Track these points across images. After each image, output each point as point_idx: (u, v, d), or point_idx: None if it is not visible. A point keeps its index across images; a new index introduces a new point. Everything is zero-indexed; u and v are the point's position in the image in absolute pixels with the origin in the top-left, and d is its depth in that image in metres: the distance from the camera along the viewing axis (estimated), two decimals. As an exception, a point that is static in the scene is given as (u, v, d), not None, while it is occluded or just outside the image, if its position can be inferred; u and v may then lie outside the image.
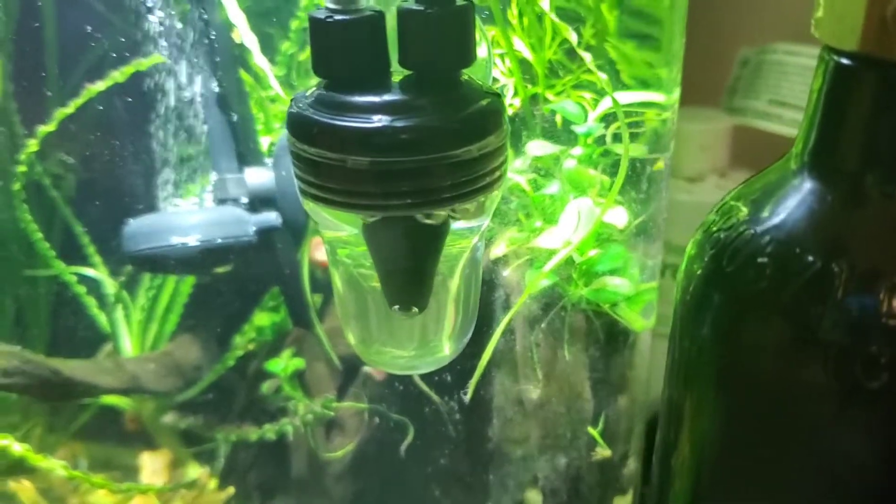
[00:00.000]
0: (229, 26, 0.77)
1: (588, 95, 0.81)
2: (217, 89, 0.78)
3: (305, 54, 0.87)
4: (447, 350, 0.53)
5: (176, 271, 0.80)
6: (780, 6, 1.30)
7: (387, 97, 0.47)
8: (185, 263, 0.77)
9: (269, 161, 0.83)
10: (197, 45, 0.77)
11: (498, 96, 0.49)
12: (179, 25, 0.77)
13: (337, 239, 0.51)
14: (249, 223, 0.78)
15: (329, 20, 0.47)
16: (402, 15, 0.47)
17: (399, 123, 0.45)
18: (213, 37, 0.76)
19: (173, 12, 0.77)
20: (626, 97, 0.73)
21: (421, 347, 0.52)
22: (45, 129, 0.87)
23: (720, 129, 1.18)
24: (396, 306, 0.52)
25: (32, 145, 0.88)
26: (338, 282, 0.54)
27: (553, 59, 0.85)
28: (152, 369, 0.98)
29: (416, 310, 0.52)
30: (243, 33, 0.77)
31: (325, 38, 0.48)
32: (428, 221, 0.50)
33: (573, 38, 0.66)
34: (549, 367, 0.74)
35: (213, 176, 0.80)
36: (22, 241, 1.10)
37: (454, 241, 0.51)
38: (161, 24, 0.76)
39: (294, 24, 0.83)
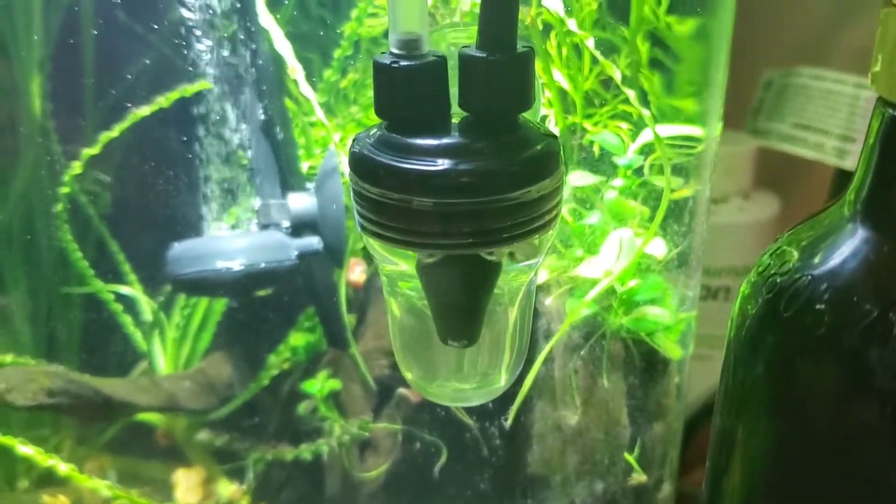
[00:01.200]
0: (275, 54, 0.79)
1: (624, 125, 0.83)
2: (262, 116, 0.80)
3: (346, 81, 0.90)
4: (503, 381, 0.55)
5: (218, 295, 0.82)
6: (803, 29, 1.32)
7: (449, 141, 0.49)
8: (228, 287, 0.80)
9: (310, 186, 0.85)
10: (243, 72, 0.79)
11: (554, 138, 0.51)
12: (226, 53, 0.79)
13: (399, 273, 0.53)
14: (292, 247, 0.80)
15: (394, 66, 0.49)
16: (464, 61, 0.49)
17: (462, 167, 0.47)
18: (259, 64, 0.78)
19: (220, 40, 0.79)
20: (665, 130, 0.75)
21: (481, 380, 0.54)
22: (88, 151, 0.89)
23: (744, 152, 1.20)
24: (450, 340, 0.54)
25: (76, 167, 0.91)
26: (397, 314, 0.56)
27: (588, 88, 0.87)
28: (187, 387, 1.00)
29: (466, 343, 0.54)
30: (289, 62, 0.79)
31: (389, 83, 0.50)
32: (486, 259, 0.52)
33: (616, 74, 0.68)
34: (588, 394, 0.76)
35: (257, 201, 0.82)
36: (57, 260, 1.13)
37: (513, 277, 0.53)
38: (208, 52, 0.78)
39: (337, 53, 0.85)
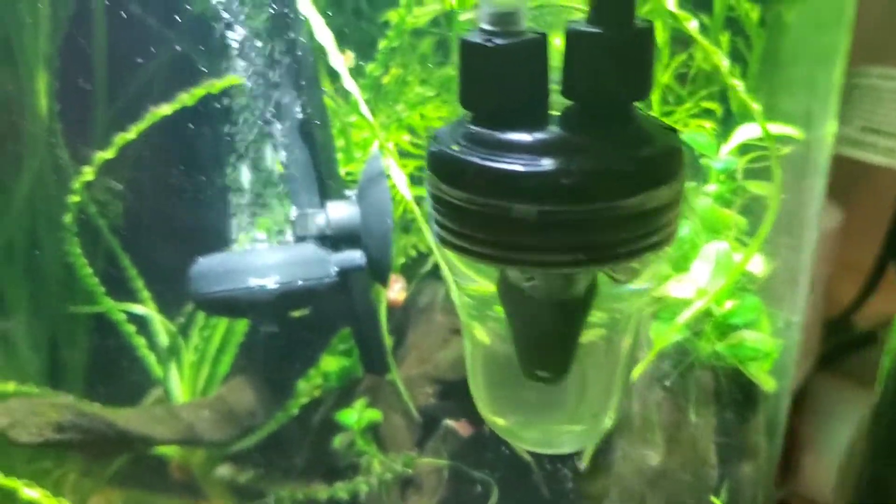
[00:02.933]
0: (314, 46, 0.71)
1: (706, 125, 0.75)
2: (300, 114, 0.72)
3: (389, 77, 0.82)
4: (609, 422, 0.47)
5: (249, 316, 0.74)
6: (868, 28, 1.24)
7: (553, 135, 0.41)
8: (261, 308, 0.71)
9: (350, 193, 0.77)
10: (278, 65, 0.71)
11: (675, 132, 0.43)
12: (259, 43, 0.71)
13: (490, 294, 0.45)
14: (331, 263, 0.72)
15: (489, 45, 0.41)
16: (572, 37, 0.41)
17: (573, 167, 0.39)
18: (297, 56, 0.70)
19: (252, 29, 0.71)
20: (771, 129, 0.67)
21: (591, 421, 0.46)
22: (101, 155, 0.81)
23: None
24: (539, 373, 0.47)
25: (87, 173, 0.83)
26: (484, 343, 0.48)
27: (665, 83, 0.79)
28: (206, 417, 0.92)
29: (554, 377, 0.46)
30: (331, 54, 0.71)
31: (481, 65, 0.42)
32: (589, 278, 0.44)
33: (724, 62, 0.60)
34: (673, 430, 0.68)
35: (293, 210, 0.74)
36: (64, 275, 1.04)
37: (629, 300, 0.45)
38: (238, 42, 0.71)
39: (382, 44, 0.78)
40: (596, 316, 0.45)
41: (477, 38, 0.42)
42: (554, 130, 0.41)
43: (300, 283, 0.71)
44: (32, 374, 0.95)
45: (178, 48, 0.97)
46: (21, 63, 0.96)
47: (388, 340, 0.86)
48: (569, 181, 0.40)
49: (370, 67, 0.78)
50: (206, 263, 0.72)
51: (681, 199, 0.44)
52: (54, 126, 0.98)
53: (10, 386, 0.83)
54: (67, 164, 0.99)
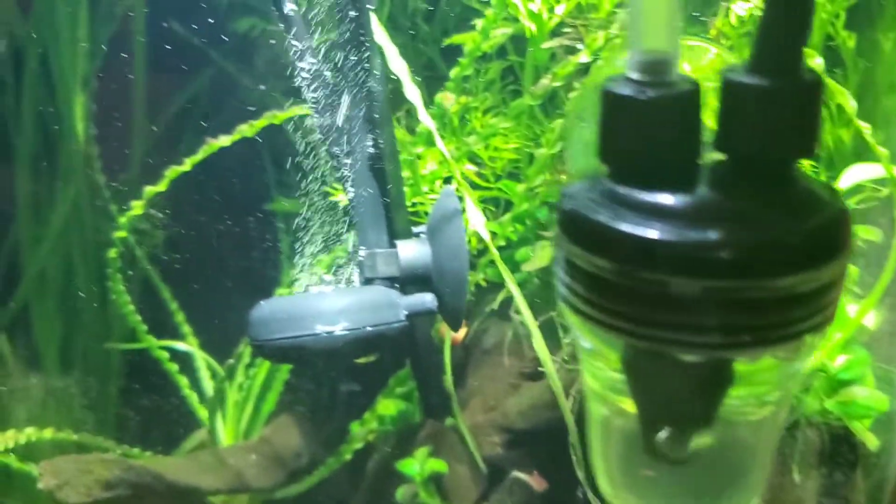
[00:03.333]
0: (387, 76, 0.67)
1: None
2: (371, 147, 0.68)
3: (457, 105, 0.78)
4: (756, 501, 0.43)
5: (315, 364, 0.70)
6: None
7: (711, 197, 0.37)
8: (328, 355, 0.68)
9: (418, 230, 0.73)
10: (349, 96, 0.68)
11: (838, 194, 0.40)
12: (328, 72, 0.68)
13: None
14: (401, 307, 0.69)
15: (641, 98, 0.37)
16: (730, 87, 0.38)
17: (738, 238, 0.36)
18: (370, 87, 0.66)
19: (320, 56, 0.67)
20: (868, 170, 0.64)
21: (733, 499, 0.43)
22: (151, 189, 0.77)
23: None
24: (665, 451, 0.43)
25: (136, 207, 0.79)
26: (614, 411, 0.44)
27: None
28: (254, 461, 0.88)
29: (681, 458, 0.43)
30: (406, 85, 0.68)
31: (630, 119, 0.38)
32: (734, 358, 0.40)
33: (851, 103, 0.57)
34: (777, 492, 0.64)
35: (361, 250, 0.70)
36: (98, 310, 1.00)
37: (781, 379, 0.41)
38: (305, 70, 0.67)
39: (454, 72, 0.74)
40: (749, 392, 0.42)
41: (625, 90, 0.38)
42: (708, 192, 0.38)
43: (369, 328, 0.67)
44: (73, 420, 0.92)
45: (228, 73, 0.94)
46: (58, 82, 0.92)
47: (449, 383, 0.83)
48: (733, 255, 0.36)
49: (439, 96, 0.74)
50: (268, 307, 0.68)
51: (845, 273, 0.40)
52: (91, 151, 0.95)
53: (48, 432, 0.79)
54: (104, 192, 0.95)
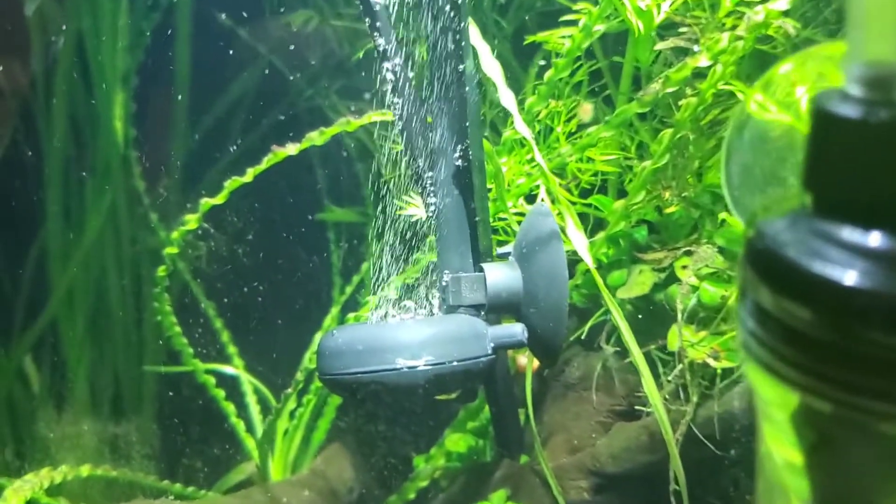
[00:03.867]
0: (479, 80, 0.61)
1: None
2: (458, 160, 0.63)
3: (546, 111, 0.73)
4: None
5: (393, 400, 0.65)
6: None
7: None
8: (407, 391, 0.62)
9: (503, 251, 0.67)
10: (438, 102, 0.62)
11: None
12: (411, 74, 0.62)
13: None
14: (488, 338, 0.63)
15: (870, 120, 0.31)
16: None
17: None
18: (460, 93, 0.60)
19: (402, 54, 0.61)
20: None
21: None
22: (209, 201, 0.70)
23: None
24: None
25: (191, 221, 0.72)
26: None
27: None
28: (307, 498, 0.83)
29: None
30: (501, 90, 0.62)
31: (852, 143, 0.32)
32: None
33: None
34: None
35: (445, 275, 0.64)
36: (132, 331, 0.94)
37: None
38: (383, 71, 0.61)
39: (548, 75, 0.68)
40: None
41: (846, 109, 0.32)
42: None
43: (455, 363, 0.61)
44: (107, 451, 0.86)
45: (280, 70, 0.88)
46: (96, 78, 0.86)
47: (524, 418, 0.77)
48: None
49: (530, 103, 0.68)
50: (341, 337, 0.62)
51: None
52: (129, 154, 0.89)
53: (84, 470, 0.74)
54: (144, 199, 0.90)
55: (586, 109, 0.65)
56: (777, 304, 0.34)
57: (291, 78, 0.90)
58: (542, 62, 0.84)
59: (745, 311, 0.36)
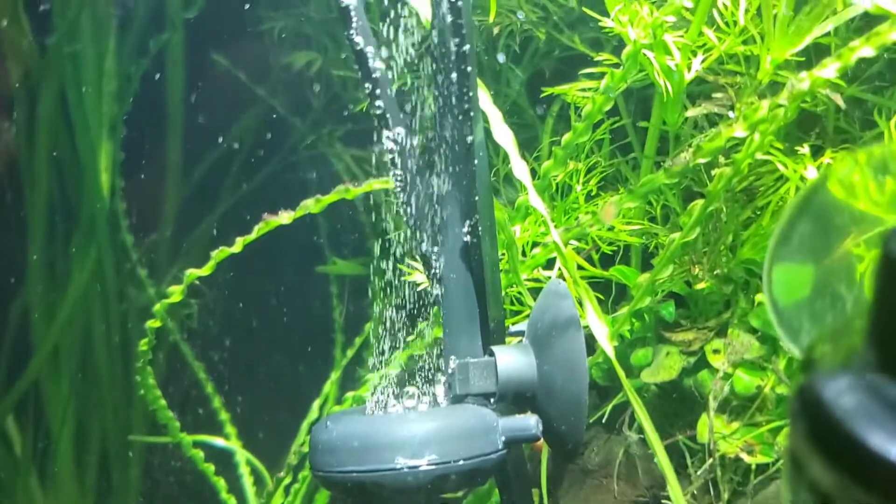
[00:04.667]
0: (487, 148, 0.56)
1: None
2: (467, 236, 0.57)
3: (562, 174, 0.67)
4: None
5: (392, 502, 0.59)
6: None
7: None
8: (409, 493, 0.57)
9: (514, 328, 0.62)
10: (444, 171, 0.56)
11: None
12: (416, 143, 0.57)
13: None
14: (499, 432, 0.57)
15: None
16: None
17: None
18: (468, 163, 0.55)
19: (411, 123, 0.56)
20: None
21: None
22: (194, 272, 0.65)
23: None
24: None
25: (175, 293, 0.67)
26: None
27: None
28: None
29: None
30: (513, 161, 0.56)
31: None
32: None
33: None
34: None
35: (452, 361, 0.59)
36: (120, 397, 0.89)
37: None
38: (392, 141, 0.55)
39: (566, 138, 0.63)
40: None
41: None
42: None
43: (462, 462, 0.56)
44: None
45: (279, 115, 0.83)
46: (79, 130, 0.81)
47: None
48: None
49: (546, 167, 0.63)
50: (335, 430, 0.56)
51: None
52: (117, 206, 0.84)
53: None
54: (132, 254, 0.85)
55: (609, 212, 0.59)
56: (835, 481, 0.28)
57: (291, 123, 0.84)
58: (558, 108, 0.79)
59: (796, 479, 0.30)
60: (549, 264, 0.68)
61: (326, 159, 0.86)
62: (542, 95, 0.71)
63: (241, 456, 0.82)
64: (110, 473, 0.87)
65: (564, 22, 0.75)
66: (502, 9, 0.74)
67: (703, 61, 0.61)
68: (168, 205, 0.86)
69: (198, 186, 0.86)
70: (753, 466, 0.61)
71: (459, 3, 0.52)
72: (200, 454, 0.77)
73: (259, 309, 0.84)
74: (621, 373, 0.57)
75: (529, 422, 0.58)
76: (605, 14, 0.61)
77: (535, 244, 0.67)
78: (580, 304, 0.57)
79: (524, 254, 0.66)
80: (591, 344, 0.66)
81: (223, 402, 0.83)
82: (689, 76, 0.61)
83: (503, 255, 0.65)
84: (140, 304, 0.82)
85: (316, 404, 0.82)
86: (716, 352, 0.61)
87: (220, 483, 0.78)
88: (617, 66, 0.65)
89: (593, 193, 0.67)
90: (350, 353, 0.82)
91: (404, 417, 0.58)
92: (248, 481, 0.82)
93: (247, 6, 0.79)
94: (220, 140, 0.85)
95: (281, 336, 0.83)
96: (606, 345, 0.56)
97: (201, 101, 0.82)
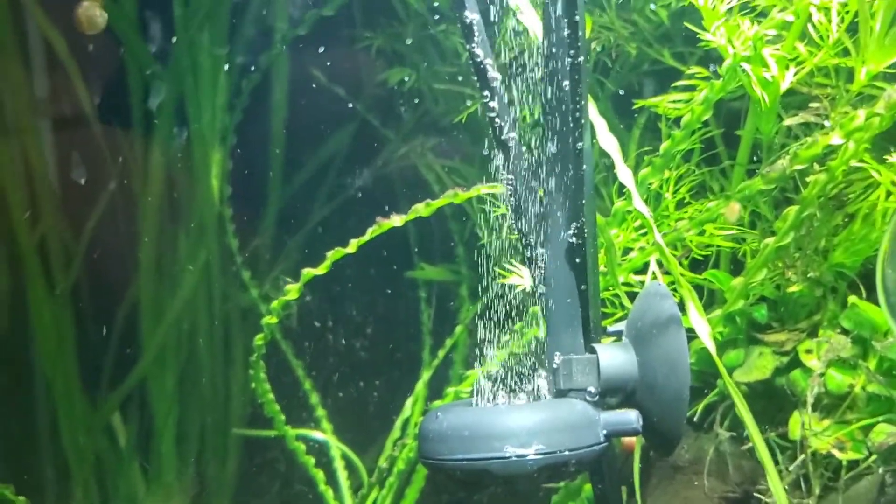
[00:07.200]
0: (594, 151, 0.59)
1: None
2: (571, 238, 0.61)
3: (658, 181, 0.70)
4: None
5: (498, 489, 0.62)
6: None
7: None
8: (515, 480, 0.60)
9: (613, 328, 0.65)
10: (552, 177, 0.60)
11: None
12: (526, 151, 0.60)
13: None
14: (601, 426, 0.60)
15: None
16: None
17: None
18: (577, 169, 0.58)
19: (521, 128, 0.59)
20: None
21: None
22: (311, 271, 0.69)
23: None
24: None
25: (292, 290, 0.71)
26: None
27: None
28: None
29: None
30: (618, 166, 0.60)
31: None
32: None
33: None
34: None
35: (556, 356, 0.62)
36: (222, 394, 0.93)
37: None
38: (506, 146, 0.59)
39: (664, 146, 0.66)
40: None
41: None
42: None
43: (567, 452, 0.59)
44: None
45: (375, 129, 0.87)
46: (195, 136, 0.86)
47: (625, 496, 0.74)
48: None
49: (643, 174, 0.66)
50: (445, 420, 0.59)
51: None
52: (224, 212, 0.89)
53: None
54: (237, 258, 0.89)
55: (734, 209, 0.62)
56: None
57: (386, 136, 0.89)
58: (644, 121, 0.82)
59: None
60: (638, 269, 0.71)
61: (416, 169, 0.90)
62: (634, 107, 0.74)
63: (336, 451, 0.86)
64: (208, 465, 0.91)
65: (653, 37, 0.78)
66: (595, 24, 0.77)
67: (795, 73, 0.64)
68: (269, 211, 0.90)
69: (297, 194, 0.90)
70: (845, 463, 0.63)
71: (577, 19, 0.55)
72: (302, 447, 0.81)
73: (354, 311, 0.88)
74: (723, 369, 0.59)
75: (630, 416, 0.61)
76: (693, 29, 0.64)
77: (628, 249, 0.70)
78: (681, 304, 0.60)
79: (622, 260, 0.69)
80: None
81: (320, 399, 0.87)
82: (784, 85, 0.63)
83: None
84: (242, 305, 0.86)
85: (409, 402, 0.85)
86: (808, 352, 0.64)
87: (319, 475, 0.82)
88: (706, 78, 0.68)
89: (686, 201, 0.70)
90: (441, 353, 0.85)
91: (513, 409, 0.61)
92: (342, 475, 0.86)
93: (347, 27, 0.83)
94: (320, 151, 0.89)
95: (373, 337, 0.86)
96: (709, 342, 0.59)
97: (303, 113, 0.87)
